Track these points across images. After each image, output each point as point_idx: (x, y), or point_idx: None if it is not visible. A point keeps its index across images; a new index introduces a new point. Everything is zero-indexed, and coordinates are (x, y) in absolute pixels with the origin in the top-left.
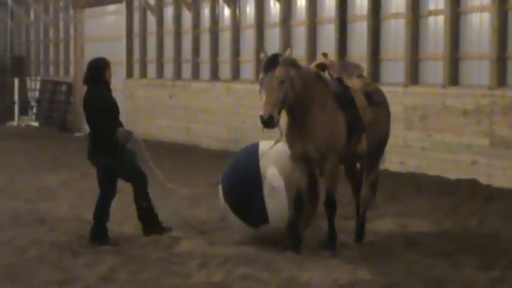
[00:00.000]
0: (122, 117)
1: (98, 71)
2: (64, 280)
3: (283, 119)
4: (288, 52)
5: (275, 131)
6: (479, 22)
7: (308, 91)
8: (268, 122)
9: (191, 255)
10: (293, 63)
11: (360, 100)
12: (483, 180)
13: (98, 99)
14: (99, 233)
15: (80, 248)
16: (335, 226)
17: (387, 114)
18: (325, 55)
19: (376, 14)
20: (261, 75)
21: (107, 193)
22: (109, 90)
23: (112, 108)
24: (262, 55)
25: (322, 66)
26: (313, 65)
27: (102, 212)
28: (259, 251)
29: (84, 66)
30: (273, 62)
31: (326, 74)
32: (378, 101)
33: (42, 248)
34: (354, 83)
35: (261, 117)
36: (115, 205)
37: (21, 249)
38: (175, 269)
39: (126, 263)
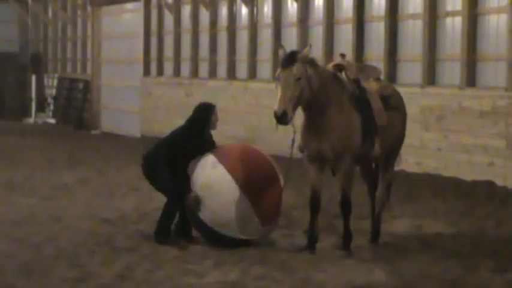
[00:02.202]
0: (138, 116)
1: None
2: (79, 278)
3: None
4: (306, 50)
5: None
6: (497, 23)
7: (325, 91)
8: (282, 118)
9: (206, 254)
10: (311, 62)
11: (376, 103)
12: (499, 182)
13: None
14: (162, 232)
15: (96, 246)
16: (350, 226)
17: (403, 118)
18: (343, 56)
19: (394, 15)
20: (278, 71)
21: (172, 200)
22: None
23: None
24: (280, 51)
25: (339, 67)
26: (330, 66)
27: (168, 213)
28: (275, 251)
29: (101, 64)
30: (291, 58)
31: (343, 75)
32: (394, 105)
33: (58, 245)
34: (370, 85)
35: (275, 113)
36: (131, 203)
37: (37, 246)
38: (190, 268)
39: (142, 261)
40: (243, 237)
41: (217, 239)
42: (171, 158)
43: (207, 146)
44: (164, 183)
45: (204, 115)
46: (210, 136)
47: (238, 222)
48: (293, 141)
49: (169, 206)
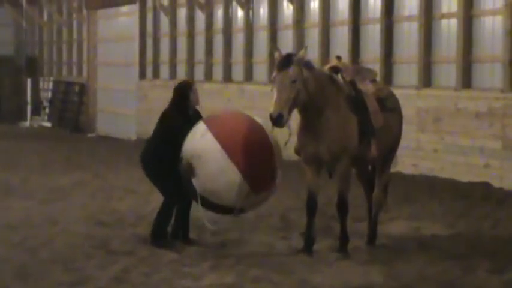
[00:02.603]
0: (134, 119)
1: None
2: (76, 281)
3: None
4: (302, 52)
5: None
6: (492, 25)
7: (321, 93)
8: (277, 120)
9: (203, 256)
10: (307, 64)
11: (372, 105)
12: (495, 183)
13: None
14: (158, 234)
15: (92, 249)
16: (347, 228)
17: (399, 119)
18: (339, 58)
19: (389, 17)
20: (274, 73)
21: (169, 200)
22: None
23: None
24: (276, 54)
25: (335, 69)
26: (326, 68)
27: (165, 214)
28: (272, 253)
29: (97, 67)
30: (286, 61)
31: (339, 77)
32: (390, 106)
33: (54, 248)
34: (366, 87)
35: (270, 115)
36: (128, 206)
37: (33, 249)
38: (187, 271)
39: (138, 264)
40: (236, 206)
41: (214, 209)
42: (166, 143)
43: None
44: (161, 182)
45: (182, 92)
46: (198, 113)
47: (228, 191)
48: (286, 143)
49: (165, 206)
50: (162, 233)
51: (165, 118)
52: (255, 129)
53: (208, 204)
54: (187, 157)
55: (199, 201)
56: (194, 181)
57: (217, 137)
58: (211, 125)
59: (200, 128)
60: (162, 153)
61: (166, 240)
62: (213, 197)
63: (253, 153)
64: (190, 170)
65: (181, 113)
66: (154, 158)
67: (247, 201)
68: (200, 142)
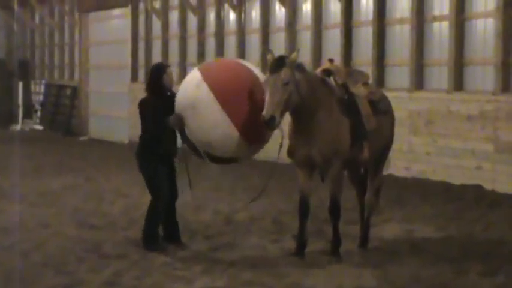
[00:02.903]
0: (127, 122)
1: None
2: (68, 285)
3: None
4: (294, 54)
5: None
6: (484, 28)
7: (313, 95)
8: (269, 123)
9: (195, 260)
10: (299, 67)
11: (364, 108)
12: (487, 186)
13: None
14: (150, 237)
15: (84, 253)
16: (339, 231)
17: (392, 122)
18: (331, 61)
19: (381, 20)
20: (266, 75)
21: (155, 197)
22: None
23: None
24: (269, 56)
25: (327, 72)
26: (318, 71)
27: (154, 215)
28: (264, 256)
29: (89, 70)
30: (278, 63)
31: (331, 80)
32: (382, 109)
33: (46, 252)
34: (359, 90)
35: (263, 117)
36: (119, 210)
37: (25, 253)
38: (179, 274)
39: (130, 267)
40: (228, 155)
41: (208, 158)
42: (148, 130)
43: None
44: (146, 175)
45: (155, 75)
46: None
47: (221, 142)
48: (280, 145)
49: (152, 207)
50: (153, 236)
51: (142, 105)
52: (250, 79)
53: (201, 154)
54: (180, 108)
55: (203, 154)
56: (187, 132)
57: (212, 88)
58: (206, 75)
59: (195, 77)
60: (146, 141)
61: (158, 243)
62: (205, 147)
63: (248, 106)
64: (180, 122)
65: (157, 95)
66: (145, 149)
67: (239, 152)
68: (195, 92)
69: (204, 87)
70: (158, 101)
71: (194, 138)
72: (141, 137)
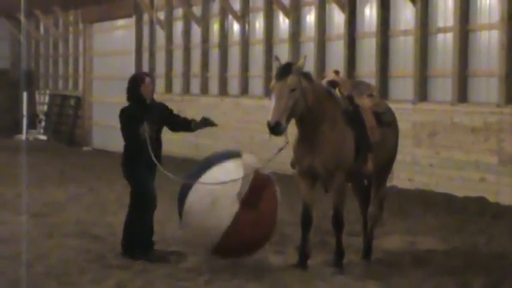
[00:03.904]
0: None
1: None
2: None
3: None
4: (301, 61)
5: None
6: (488, 40)
7: (319, 106)
8: (275, 129)
9: (199, 271)
10: (306, 75)
11: (369, 119)
12: (491, 198)
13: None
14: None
15: (87, 263)
16: (342, 243)
17: (396, 134)
18: (336, 72)
19: (385, 31)
20: (273, 82)
21: (138, 206)
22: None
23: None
24: (276, 63)
25: (333, 83)
26: (324, 82)
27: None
28: (267, 268)
29: (93, 81)
30: (285, 70)
31: (337, 92)
32: (387, 121)
33: (49, 262)
34: (364, 102)
35: (268, 123)
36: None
37: (28, 263)
38: (182, 285)
39: (133, 278)
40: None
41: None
42: (129, 138)
43: (159, 114)
44: (131, 181)
45: (131, 85)
46: (160, 105)
47: (197, 233)
48: (280, 149)
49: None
50: (141, 242)
51: (120, 117)
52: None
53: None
54: (200, 190)
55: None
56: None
57: (237, 217)
58: (245, 201)
59: (235, 189)
60: (128, 149)
61: (152, 250)
62: (184, 220)
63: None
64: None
65: (136, 103)
66: (126, 158)
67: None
68: (224, 202)
69: (231, 210)
70: (137, 109)
71: (186, 211)
72: (124, 146)
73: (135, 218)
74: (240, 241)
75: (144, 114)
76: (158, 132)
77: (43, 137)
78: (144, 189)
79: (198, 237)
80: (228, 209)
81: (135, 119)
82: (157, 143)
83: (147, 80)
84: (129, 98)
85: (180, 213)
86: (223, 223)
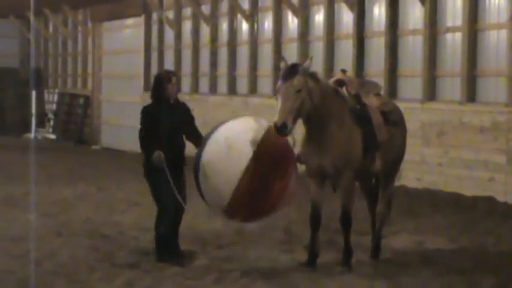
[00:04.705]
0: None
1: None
2: None
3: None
4: (307, 62)
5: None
6: (497, 39)
7: (326, 105)
8: (282, 129)
9: (207, 270)
10: (312, 75)
11: (377, 118)
12: (500, 198)
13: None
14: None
15: (96, 262)
16: (351, 242)
17: (403, 133)
18: (344, 71)
19: (394, 30)
20: (279, 83)
21: (159, 208)
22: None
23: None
24: (282, 64)
25: (340, 82)
26: (331, 81)
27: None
28: (276, 267)
29: (102, 79)
30: (292, 70)
31: (344, 90)
32: (394, 120)
33: (58, 261)
34: (371, 101)
35: (275, 124)
36: (131, 219)
37: (36, 261)
38: (191, 284)
39: (142, 277)
40: (205, 196)
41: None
42: (150, 138)
43: (181, 117)
44: (151, 184)
45: (158, 83)
46: (184, 105)
47: (213, 187)
48: None
49: (158, 216)
50: (164, 245)
51: (145, 113)
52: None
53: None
54: (222, 132)
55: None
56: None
57: (250, 165)
58: (264, 142)
59: (258, 130)
60: (147, 149)
61: (171, 252)
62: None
63: (256, 201)
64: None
65: (161, 103)
66: (144, 156)
67: (214, 205)
68: (242, 141)
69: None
70: (160, 109)
71: (202, 163)
72: (141, 145)
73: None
74: (251, 194)
75: (166, 114)
76: (179, 132)
77: (52, 136)
78: (160, 199)
79: (217, 189)
80: (245, 152)
81: (157, 119)
82: (178, 148)
83: (174, 79)
84: (153, 96)
85: (196, 173)
86: (241, 166)
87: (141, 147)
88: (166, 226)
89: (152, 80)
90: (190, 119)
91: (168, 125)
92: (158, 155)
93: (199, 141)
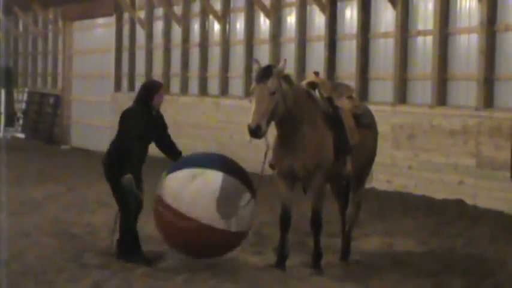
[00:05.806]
0: (109, 131)
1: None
2: None
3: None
4: (281, 64)
5: (261, 147)
6: (468, 43)
7: (298, 108)
8: (255, 132)
9: (176, 271)
10: (286, 78)
11: (349, 121)
12: (469, 201)
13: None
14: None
15: (64, 262)
16: (321, 244)
17: (375, 136)
18: (316, 74)
19: (366, 33)
20: (253, 85)
21: (123, 208)
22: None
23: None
24: (255, 66)
25: (313, 85)
26: (304, 83)
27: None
28: (245, 268)
29: (72, 79)
30: (265, 72)
31: (316, 93)
32: (366, 123)
33: (26, 261)
34: (343, 103)
35: (249, 126)
36: (101, 219)
37: (4, 262)
38: (160, 285)
39: (111, 278)
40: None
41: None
42: (128, 144)
43: (158, 127)
44: (117, 186)
45: (148, 92)
46: (162, 117)
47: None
48: (265, 155)
49: (124, 218)
50: (127, 248)
51: (127, 118)
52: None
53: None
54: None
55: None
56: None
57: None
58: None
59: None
60: (124, 155)
61: (136, 254)
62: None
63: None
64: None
65: (144, 112)
66: (117, 160)
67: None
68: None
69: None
70: (143, 116)
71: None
72: (111, 145)
73: (124, 221)
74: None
75: (148, 124)
76: (150, 141)
77: (21, 135)
78: (122, 194)
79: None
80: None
81: (138, 124)
82: (145, 156)
83: (162, 91)
84: (137, 102)
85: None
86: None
87: (126, 152)
88: (131, 225)
89: (140, 86)
90: (164, 128)
91: (147, 134)
92: (130, 177)
93: (173, 151)
